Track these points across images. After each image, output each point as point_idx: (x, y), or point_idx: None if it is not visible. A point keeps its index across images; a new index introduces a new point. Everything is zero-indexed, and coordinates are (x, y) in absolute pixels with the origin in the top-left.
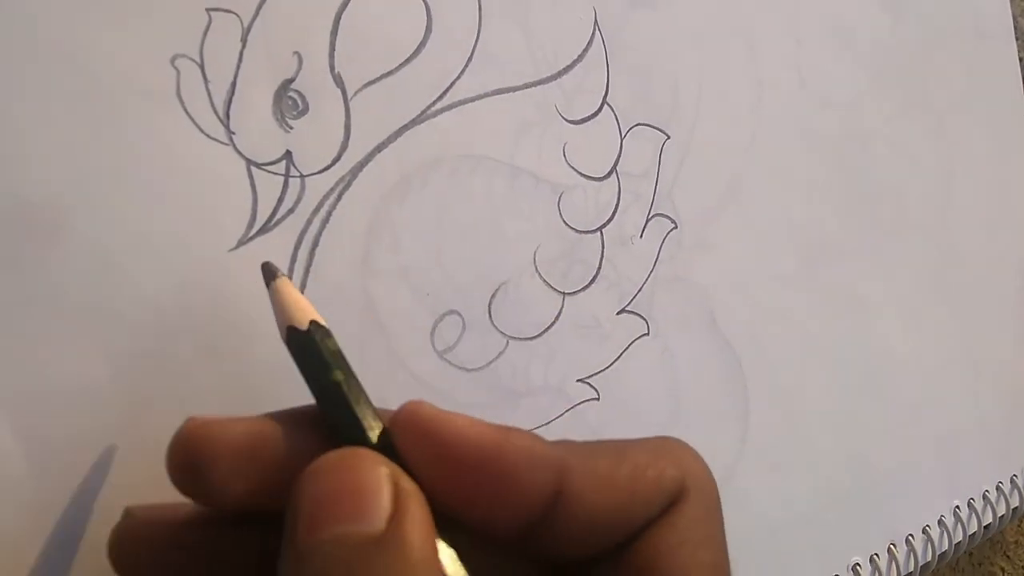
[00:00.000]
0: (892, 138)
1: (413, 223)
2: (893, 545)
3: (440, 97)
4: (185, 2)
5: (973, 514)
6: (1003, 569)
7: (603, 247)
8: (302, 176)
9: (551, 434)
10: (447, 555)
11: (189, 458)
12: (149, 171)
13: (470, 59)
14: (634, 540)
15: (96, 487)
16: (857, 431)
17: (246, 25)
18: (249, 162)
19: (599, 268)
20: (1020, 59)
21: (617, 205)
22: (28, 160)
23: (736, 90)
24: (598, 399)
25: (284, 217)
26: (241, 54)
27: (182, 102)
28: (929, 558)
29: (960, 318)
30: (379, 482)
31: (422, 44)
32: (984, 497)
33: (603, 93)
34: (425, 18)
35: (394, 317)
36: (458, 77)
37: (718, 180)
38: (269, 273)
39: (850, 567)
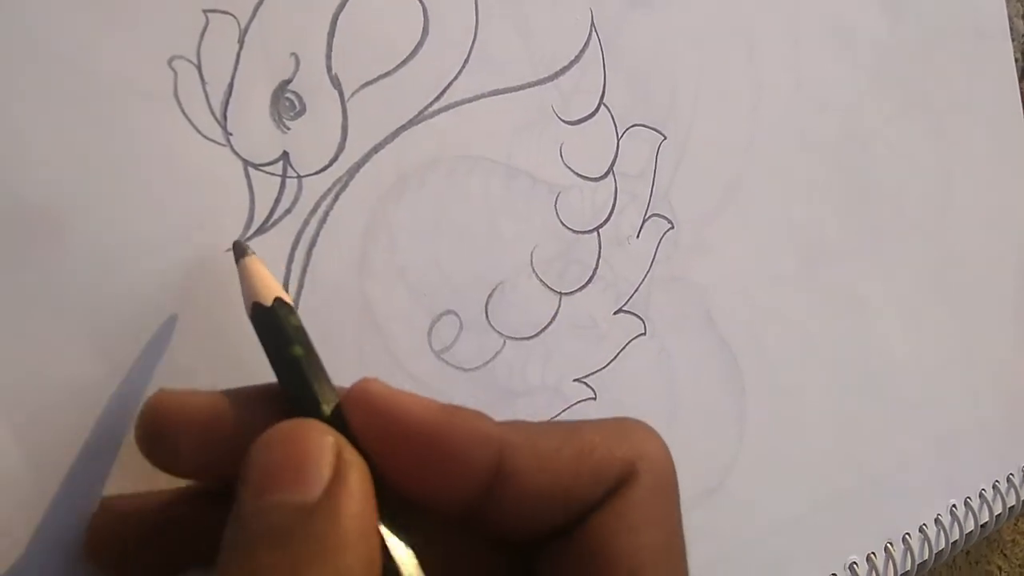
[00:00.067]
0: (891, 139)
1: (410, 223)
2: (890, 544)
3: (437, 98)
4: (182, 3)
5: (970, 513)
6: (1000, 567)
7: (600, 247)
8: (299, 177)
9: None
10: (392, 537)
11: (154, 427)
12: (147, 172)
13: (467, 60)
14: (582, 522)
15: (95, 487)
16: (854, 431)
17: (243, 26)
18: (246, 163)
19: (596, 268)
20: (1016, 60)
21: (614, 205)
22: (26, 161)
23: (734, 90)
24: (595, 399)
25: (281, 218)
26: (238, 55)
27: (179, 103)
28: (926, 557)
29: (958, 318)
30: (321, 452)
31: (419, 45)
32: (981, 496)
33: (600, 94)
34: (422, 19)
35: (391, 317)
36: (455, 78)
37: (715, 181)
38: (239, 251)
39: (847, 566)
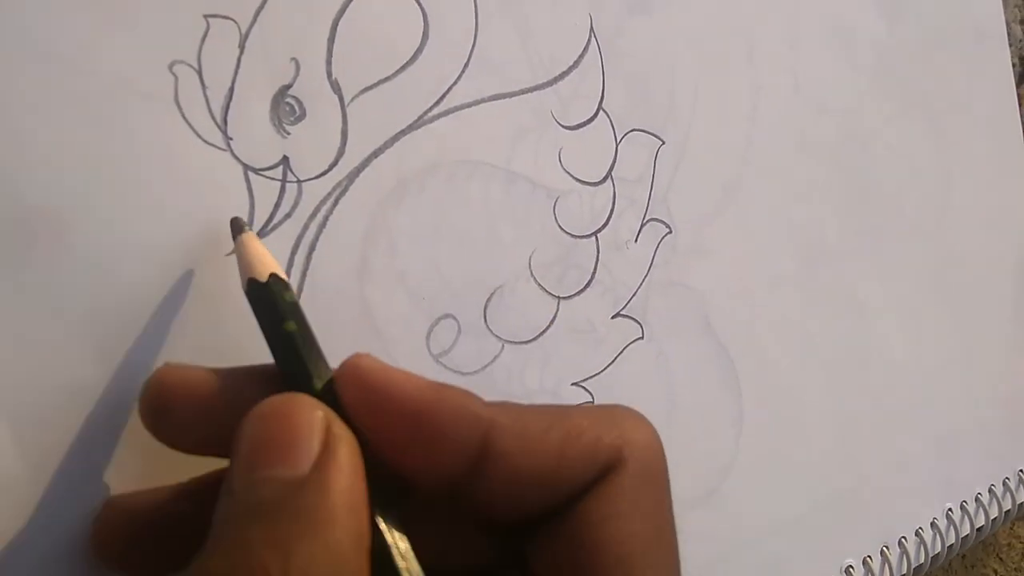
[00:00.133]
0: (889, 141)
1: (410, 228)
2: (886, 547)
3: (437, 103)
4: (183, 8)
5: (966, 516)
6: (995, 571)
7: (598, 252)
8: (299, 181)
9: None
10: (382, 512)
11: (157, 401)
12: (147, 176)
13: (467, 65)
14: (568, 508)
15: (94, 486)
16: (852, 433)
17: (244, 31)
18: (246, 167)
19: (594, 273)
20: (1014, 65)
21: (612, 210)
22: (28, 164)
23: (732, 94)
24: (593, 403)
25: (281, 222)
26: (239, 60)
27: (180, 108)
28: (922, 560)
29: (957, 321)
30: (311, 426)
31: (419, 50)
32: (977, 500)
33: (599, 99)
34: (422, 24)
35: (390, 321)
36: (455, 83)
37: (713, 185)
38: (236, 227)
39: (843, 569)
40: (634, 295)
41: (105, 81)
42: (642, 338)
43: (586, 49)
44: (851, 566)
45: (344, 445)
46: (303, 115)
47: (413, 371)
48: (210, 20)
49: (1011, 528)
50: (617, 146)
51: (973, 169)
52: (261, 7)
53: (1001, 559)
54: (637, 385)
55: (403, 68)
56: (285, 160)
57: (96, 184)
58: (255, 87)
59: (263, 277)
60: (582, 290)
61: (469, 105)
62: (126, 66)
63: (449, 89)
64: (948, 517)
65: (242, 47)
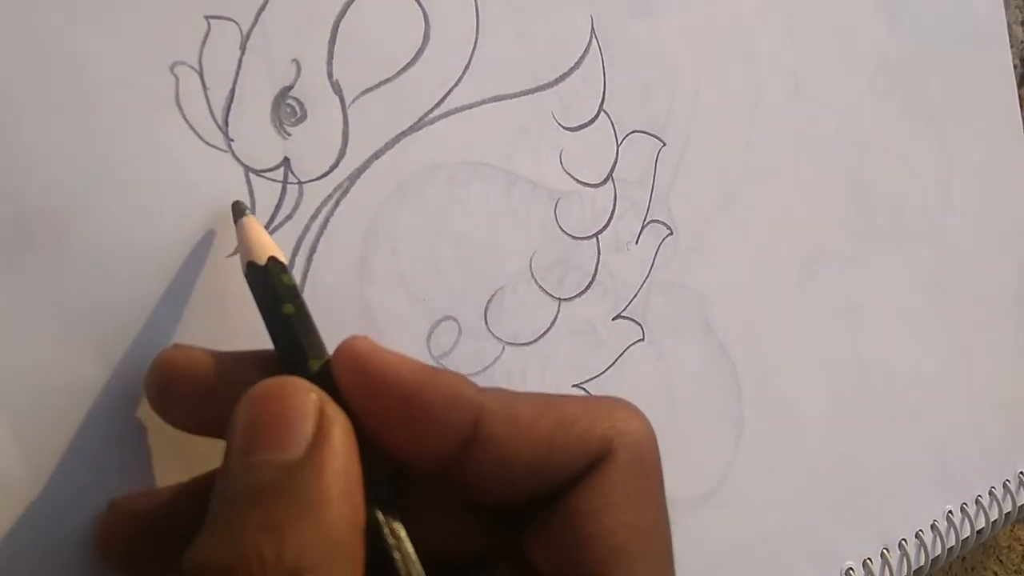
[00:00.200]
0: (890, 142)
1: (410, 229)
2: (886, 549)
3: (438, 104)
4: (184, 10)
5: (966, 519)
6: (996, 573)
7: (599, 253)
8: (300, 183)
9: None
10: (377, 495)
11: (161, 380)
12: (148, 177)
13: (467, 67)
14: (560, 497)
15: (94, 486)
16: (851, 436)
17: (245, 33)
18: (247, 168)
19: (595, 274)
20: (1014, 66)
21: (613, 211)
22: (29, 164)
23: (732, 97)
24: None
25: (282, 223)
26: (240, 61)
27: (181, 109)
28: (922, 563)
29: (956, 324)
30: (304, 409)
31: (420, 52)
32: (977, 502)
33: (599, 100)
34: (423, 26)
35: (391, 322)
36: (456, 84)
37: (714, 186)
38: (238, 211)
39: (844, 571)
40: (635, 297)
41: (106, 82)
42: (643, 340)
43: (587, 50)
44: (851, 568)
45: (338, 428)
46: (304, 116)
47: None
48: (211, 21)
49: (1011, 530)
50: (618, 147)
51: (974, 170)
52: (262, 8)
53: (1001, 561)
54: (638, 387)
55: (404, 69)
56: (286, 161)
57: (96, 184)
58: (256, 88)
59: (262, 260)
60: (583, 292)
61: (470, 106)
62: (127, 67)
63: (450, 90)
64: (948, 519)
65: (243, 48)
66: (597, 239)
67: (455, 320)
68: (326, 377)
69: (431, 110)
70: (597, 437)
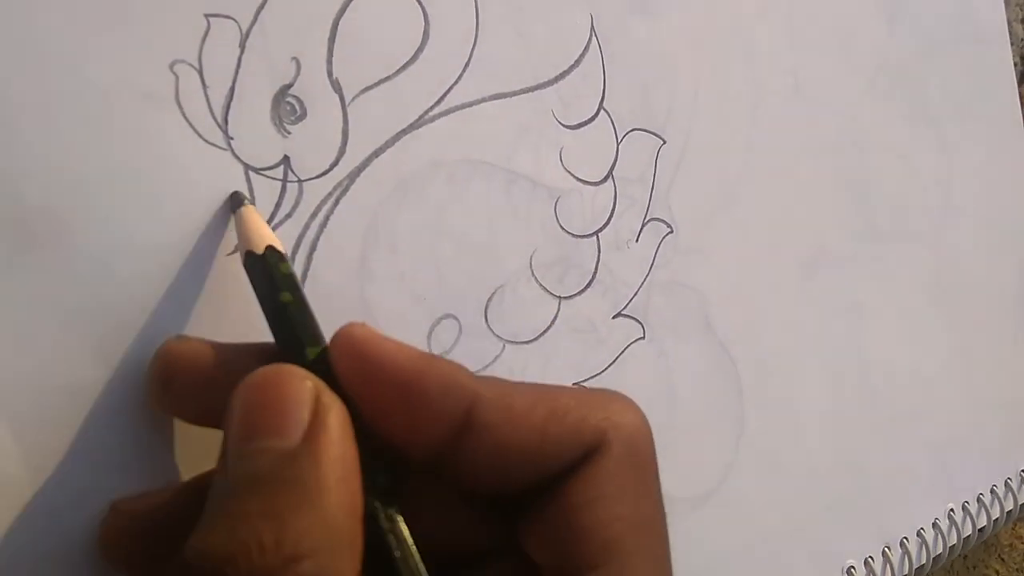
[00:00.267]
0: (890, 141)
1: (410, 227)
2: (888, 548)
3: (438, 102)
4: (184, 8)
5: (968, 517)
6: (997, 572)
7: (599, 251)
8: (300, 181)
9: None
10: (374, 481)
11: (162, 371)
12: (148, 175)
13: (467, 65)
14: (555, 488)
15: (94, 487)
16: (852, 434)
17: (244, 31)
18: (247, 167)
19: (595, 272)
20: (1015, 64)
21: (613, 210)
22: (27, 165)
23: (733, 94)
24: None
25: (282, 222)
26: (239, 59)
27: (181, 107)
28: (923, 561)
29: (957, 323)
30: (300, 397)
31: (420, 50)
32: (979, 500)
33: (599, 98)
34: (423, 24)
35: (391, 321)
36: (455, 82)
37: (714, 185)
38: (236, 201)
39: (845, 570)
40: (635, 295)
41: (106, 81)
42: (643, 338)
43: (587, 49)
44: (853, 567)
45: (334, 415)
46: (304, 115)
47: None
48: (211, 19)
49: (1013, 528)
50: (618, 145)
51: (974, 169)
52: (262, 6)
53: (1003, 560)
54: (638, 385)
55: (404, 67)
56: (286, 160)
57: (96, 184)
58: (256, 86)
59: (260, 249)
60: (583, 290)
61: (470, 104)
62: (126, 66)
63: (450, 89)
64: (950, 517)
65: (243, 46)
66: (597, 237)
67: (455, 318)
68: (323, 364)
69: (431, 108)
70: (591, 428)
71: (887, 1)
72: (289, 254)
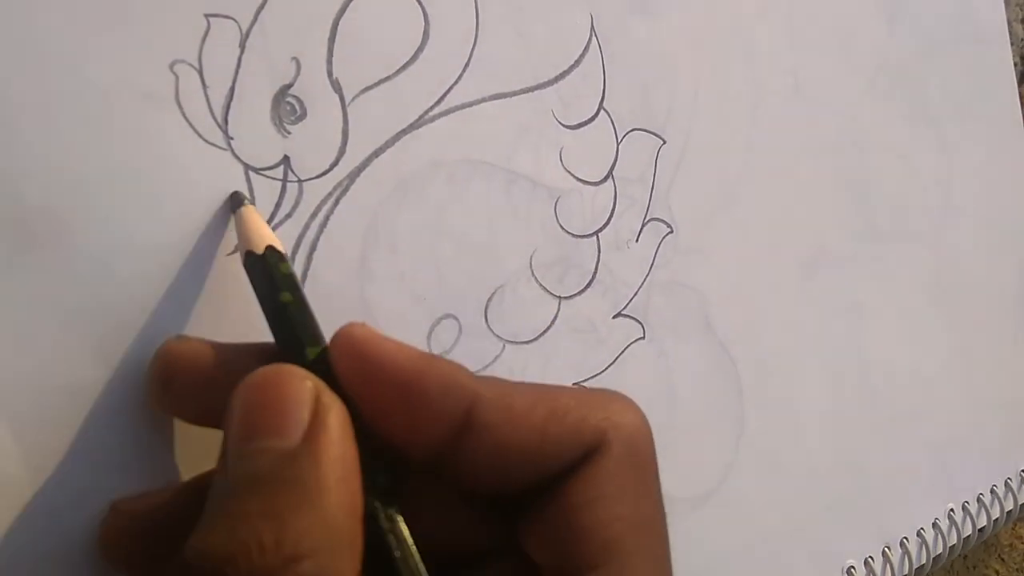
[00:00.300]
0: (890, 141)
1: (410, 227)
2: (888, 548)
3: (438, 102)
4: (184, 8)
5: (968, 517)
6: (997, 572)
7: (599, 251)
8: (300, 181)
9: None
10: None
11: (164, 370)
12: (148, 175)
13: (467, 65)
14: (555, 489)
15: (94, 487)
16: (852, 434)
17: (244, 31)
18: (247, 167)
19: (595, 272)
20: (1015, 64)
21: (613, 210)
22: (28, 164)
23: (733, 95)
24: None
25: (282, 222)
26: (239, 59)
27: (181, 107)
28: (923, 561)
29: (957, 323)
30: (300, 397)
31: (420, 50)
32: (979, 500)
33: (599, 98)
34: (423, 24)
35: (391, 321)
36: (455, 82)
37: (714, 185)
38: (236, 201)
39: (845, 570)
40: (635, 295)
41: (106, 81)
42: (643, 338)
43: (587, 49)
44: (852, 567)
45: (334, 415)
46: (304, 114)
47: None
48: (211, 19)
49: (1013, 528)
50: (618, 145)
51: (974, 170)
52: (262, 6)
53: (1003, 560)
54: (638, 385)
55: (404, 67)
56: (286, 160)
57: (96, 184)
58: (256, 86)
59: (259, 249)
60: (583, 290)
61: (470, 104)
62: (126, 66)
63: (450, 88)
64: (950, 517)
65: (243, 46)
66: (597, 237)
67: (455, 318)
68: (323, 364)
69: (431, 108)
70: (591, 428)
71: (887, 1)
72: (289, 254)
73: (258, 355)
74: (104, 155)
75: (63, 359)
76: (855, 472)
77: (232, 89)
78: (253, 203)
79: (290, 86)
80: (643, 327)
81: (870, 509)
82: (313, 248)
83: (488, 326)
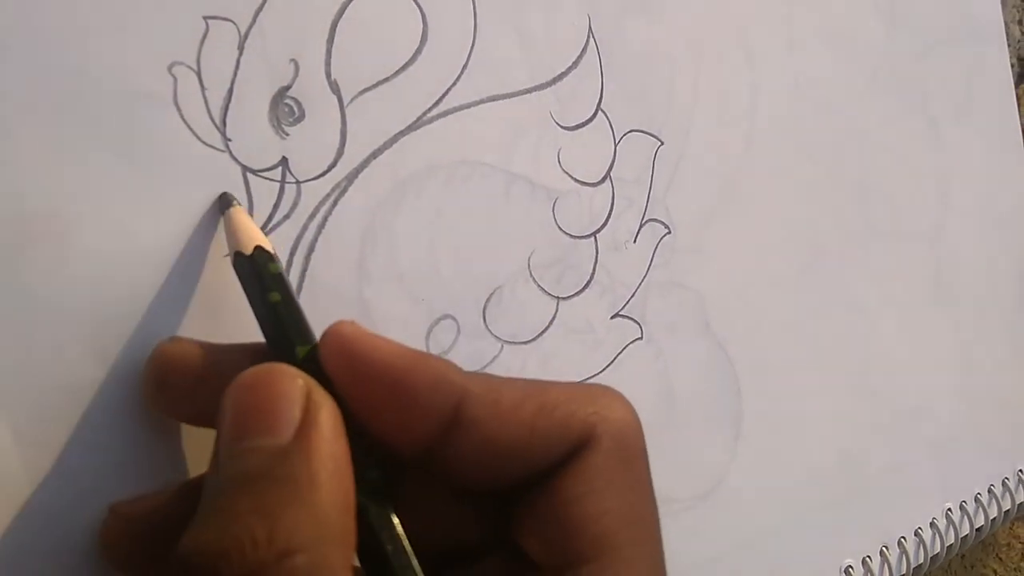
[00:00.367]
0: (888, 141)
1: (408, 229)
2: (885, 547)
3: (436, 104)
4: (183, 10)
5: (965, 516)
6: (995, 571)
7: (597, 252)
8: (298, 182)
9: None
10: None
11: (158, 373)
12: (146, 177)
13: (465, 66)
14: (545, 483)
15: (93, 488)
16: (850, 434)
17: (243, 33)
18: (245, 168)
19: (593, 273)
20: (1012, 65)
21: (611, 210)
22: (27, 166)
23: (731, 95)
24: None
25: (280, 223)
26: (238, 61)
27: (179, 109)
28: (921, 560)
29: (955, 323)
30: (291, 395)
31: (418, 51)
32: (976, 500)
33: (597, 99)
34: (421, 25)
35: (389, 322)
36: (453, 84)
37: (712, 185)
38: (224, 202)
39: (842, 569)
40: (633, 295)
41: (104, 83)
42: (641, 338)
43: (585, 50)
44: (850, 566)
45: (325, 412)
46: (302, 116)
47: None
48: (209, 21)
49: (1010, 528)
50: (616, 147)
51: (972, 169)
52: (260, 8)
53: (1000, 559)
54: (636, 386)
55: (402, 69)
56: (284, 161)
57: (96, 184)
58: (254, 88)
59: (248, 250)
60: (581, 290)
61: (468, 106)
62: (125, 68)
63: (448, 90)
64: (947, 517)
65: (241, 48)
66: (595, 238)
67: (454, 319)
68: (313, 363)
69: (429, 110)
70: (579, 422)
71: (886, 1)
72: (287, 255)
73: (250, 355)
74: (103, 156)
75: (63, 359)
76: (853, 471)
77: (230, 91)
78: (249, 204)
79: (288, 88)
80: (641, 327)
81: (868, 508)
82: (311, 249)
83: (486, 327)
